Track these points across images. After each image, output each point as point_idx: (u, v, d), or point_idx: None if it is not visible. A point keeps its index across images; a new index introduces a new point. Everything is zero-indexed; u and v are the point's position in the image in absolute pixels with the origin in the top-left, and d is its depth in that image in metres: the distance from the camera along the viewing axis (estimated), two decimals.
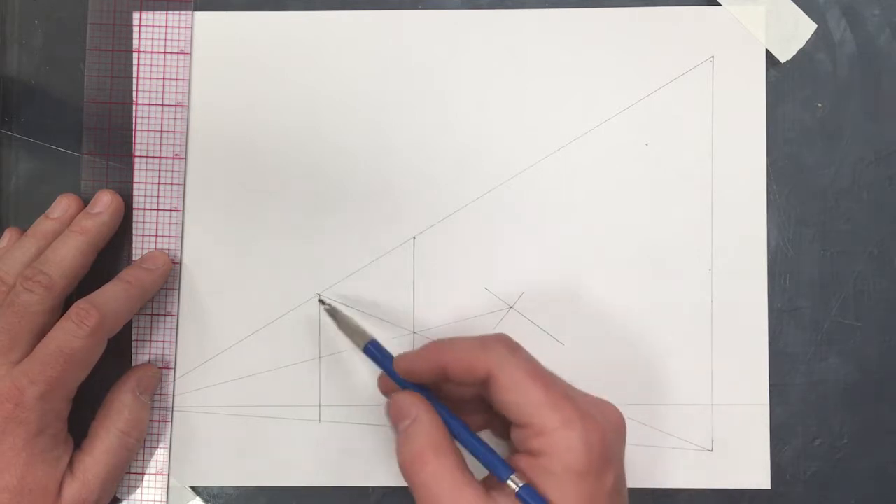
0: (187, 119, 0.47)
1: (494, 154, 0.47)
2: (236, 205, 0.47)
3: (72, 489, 0.41)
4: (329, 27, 0.47)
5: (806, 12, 0.46)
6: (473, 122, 0.47)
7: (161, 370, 0.46)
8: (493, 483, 0.39)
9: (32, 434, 0.40)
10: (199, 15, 0.47)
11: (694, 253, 0.46)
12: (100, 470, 0.42)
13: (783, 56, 0.46)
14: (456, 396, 0.42)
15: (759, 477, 0.46)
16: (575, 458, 0.37)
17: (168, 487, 0.46)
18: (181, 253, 0.46)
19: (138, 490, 0.46)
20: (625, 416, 0.40)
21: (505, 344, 0.40)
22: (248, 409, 0.46)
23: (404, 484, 0.46)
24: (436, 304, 0.46)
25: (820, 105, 0.47)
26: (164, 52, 0.46)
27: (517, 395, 0.38)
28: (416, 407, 0.40)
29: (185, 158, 0.47)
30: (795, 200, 0.47)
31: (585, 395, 0.40)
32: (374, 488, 0.46)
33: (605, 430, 0.38)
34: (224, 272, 0.46)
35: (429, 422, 0.39)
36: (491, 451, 0.39)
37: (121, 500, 0.46)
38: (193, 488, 0.46)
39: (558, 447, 0.37)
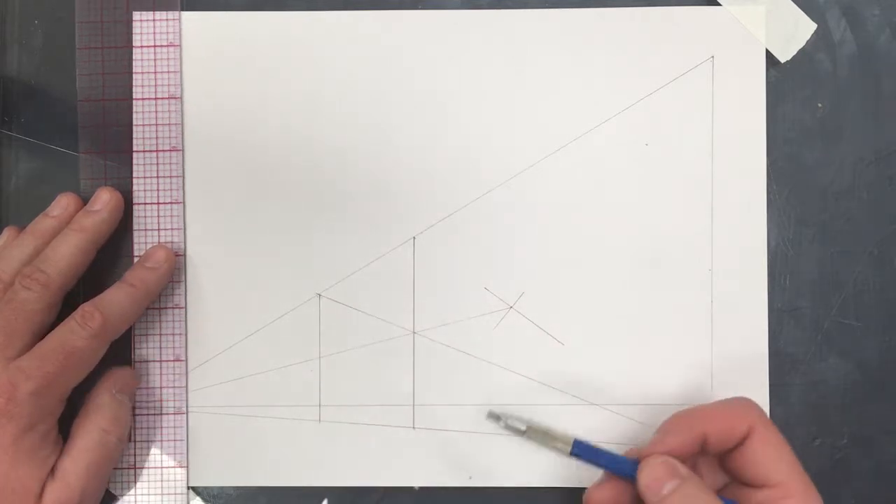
0: (181, 112, 0.46)
1: (494, 154, 0.47)
2: (236, 206, 0.47)
3: (53, 490, 0.41)
4: (329, 27, 0.47)
5: (806, 12, 0.46)
6: (473, 122, 0.47)
7: (136, 371, 0.46)
8: None
9: (21, 430, 0.40)
10: (198, 15, 0.47)
11: (694, 253, 0.46)
12: (80, 470, 0.42)
13: (783, 56, 0.46)
14: None
15: None
16: None
17: (188, 480, 0.46)
18: (185, 244, 0.46)
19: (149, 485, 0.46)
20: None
21: (756, 404, 0.40)
22: (248, 409, 0.46)
23: (404, 484, 0.46)
24: (436, 304, 0.46)
25: (820, 105, 0.47)
26: (154, 46, 0.46)
27: (776, 454, 0.39)
28: (681, 467, 0.39)
29: (182, 151, 0.46)
30: (795, 200, 0.47)
31: None
32: (374, 488, 0.46)
33: None
34: (223, 273, 0.46)
35: (699, 482, 0.38)
36: None
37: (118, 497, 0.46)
38: (193, 488, 0.46)
39: None
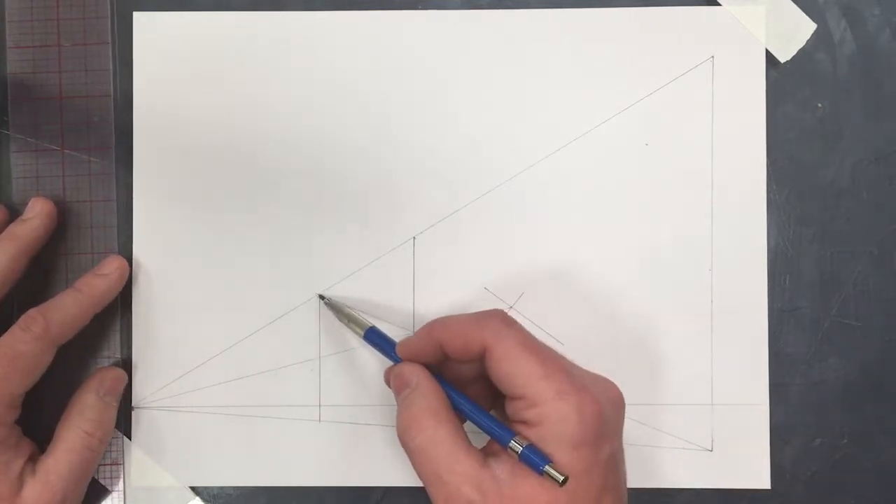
0: (111, 108, 0.47)
1: (494, 154, 0.47)
2: (238, 204, 0.47)
3: (33, 491, 0.41)
4: (329, 27, 0.47)
5: (806, 12, 0.46)
6: (473, 122, 0.47)
7: (124, 372, 0.46)
8: (490, 451, 0.39)
9: None
10: (198, 15, 0.47)
11: (694, 253, 0.46)
12: (62, 469, 0.42)
13: (783, 56, 0.46)
14: (458, 377, 0.42)
15: (759, 477, 0.46)
16: (569, 428, 0.37)
17: (124, 477, 0.46)
18: (117, 242, 0.46)
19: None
20: (625, 418, 0.40)
21: (500, 318, 0.40)
22: (248, 409, 0.46)
23: (404, 483, 0.46)
24: (436, 304, 0.46)
25: (820, 105, 0.47)
26: (84, 44, 0.46)
27: (512, 366, 0.38)
28: (416, 375, 0.41)
29: (112, 149, 0.46)
30: (795, 200, 0.47)
31: (583, 370, 0.40)
32: (374, 488, 0.46)
33: (600, 403, 0.38)
34: (224, 272, 0.46)
35: (428, 388, 0.40)
36: (492, 418, 0.40)
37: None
38: (193, 488, 0.46)
39: (552, 418, 0.37)
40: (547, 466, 0.36)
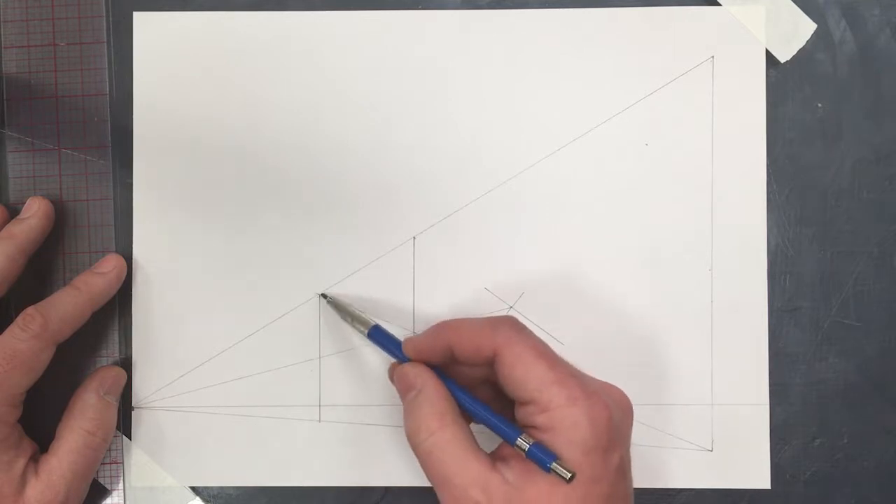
0: (107, 107, 0.46)
1: (494, 154, 0.47)
2: (237, 204, 0.46)
3: (36, 490, 0.42)
4: (329, 27, 0.47)
5: (806, 12, 0.46)
6: (473, 122, 0.47)
7: (123, 371, 0.46)
8: (499, 456, 0.39)
9: None
10: (198, 15, 0.47)
11: (694, 253, 0.46)
12: (65, 470, 0.42)
13: (783, 56, 0.46)
14: (463, 379, 0.42)
15: (759, 477, 0.46)
16: (580, 434, 0.37)
17: (123, 476, 0.46)
18: (114, 242, 0.46)
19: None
20: None
21: (512, 325, 0.40)
22: (248, 409, 0.46)
23: (404, 483, 0.46)
24: (436, 304, 0.46)
25: (820, 105, 0.47)
26: (80, 43, 0.47)
27: (523, 372, 0.38)
28: (421, 377, 0.41)
29: (110, 147, 0.46)
30: (795, 200, 0.47)
31: (592, 378, 0.40)
32: (374, 488, 0.46)
33: (611, 409, 0.38)
34: (224, 272, 0.46)
35: (434, 391, 0.40)
36: (499, 416, 0.40)
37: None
38: (193, 488, 0.46)
39: (563, 423, 0.37)
40: (554, 463, 0.37)
